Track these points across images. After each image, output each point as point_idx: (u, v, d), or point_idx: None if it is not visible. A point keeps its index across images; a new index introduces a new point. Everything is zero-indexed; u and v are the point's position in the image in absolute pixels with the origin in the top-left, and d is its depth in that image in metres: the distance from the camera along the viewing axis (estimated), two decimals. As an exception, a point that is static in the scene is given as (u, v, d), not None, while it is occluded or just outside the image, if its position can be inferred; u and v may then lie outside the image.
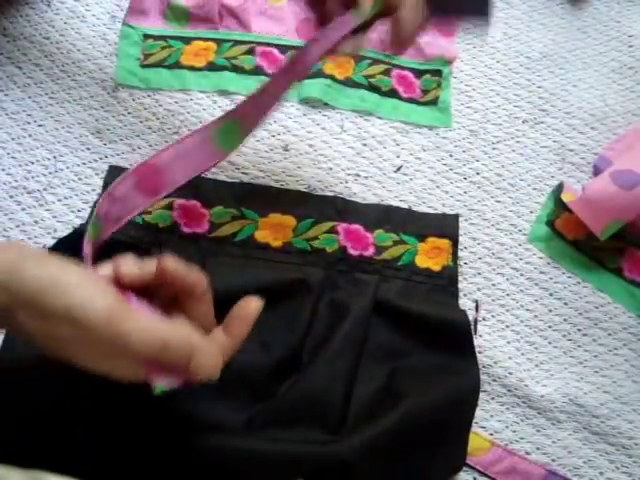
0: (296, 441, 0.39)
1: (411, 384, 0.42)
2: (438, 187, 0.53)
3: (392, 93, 0.56)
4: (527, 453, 0.45)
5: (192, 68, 0.55)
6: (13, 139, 0.51)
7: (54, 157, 0.50)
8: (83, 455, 0.38)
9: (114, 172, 0.49)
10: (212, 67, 0.55)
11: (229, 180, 0.51)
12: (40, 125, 0.51)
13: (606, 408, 0.47)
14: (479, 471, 0.44)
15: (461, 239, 0.50)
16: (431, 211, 0.52)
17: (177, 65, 0.55)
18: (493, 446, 0.44)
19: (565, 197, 0.50)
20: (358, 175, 0.53)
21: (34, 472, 0.29)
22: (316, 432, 0.40)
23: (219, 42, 0.56)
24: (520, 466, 0.44)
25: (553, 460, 0.45)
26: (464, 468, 0.43)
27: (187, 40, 0.56)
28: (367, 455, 0.38)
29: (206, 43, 0.56)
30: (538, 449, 0.45)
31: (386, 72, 0.57)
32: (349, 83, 0.56)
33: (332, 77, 0.56)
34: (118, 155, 0.51)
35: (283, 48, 0.57)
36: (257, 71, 0.56)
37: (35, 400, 0.39)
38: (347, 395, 0.42)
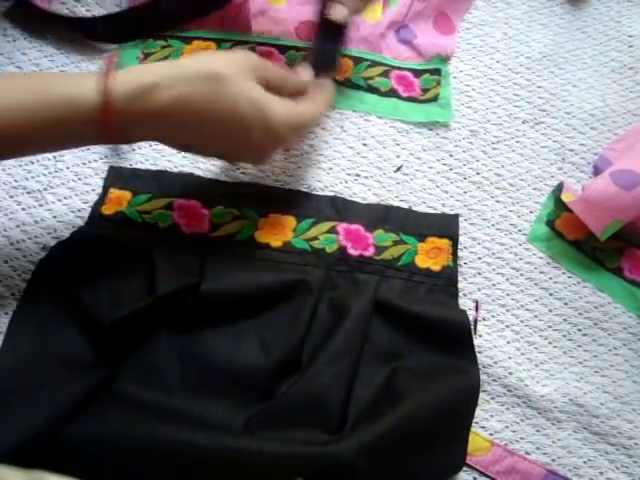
0: (296, 441, 0.39)
1: (411, 384, 0.42)
2: (438, 187, 0.53)
3: (391, 93, 0.56)
4: (527, 453, 0.45)
5: (192, 68, 0.55)
6: (13, 139, 0.51)
7: (54, 157, 0.50)
8: (82, 453, 0.38)
9: (114, 172, 0.49)
10: (212, 67, 0.55)
11: (229, 180, 0.51)
12: (40, 125, 0.51)
13: (606, 408, 0.47)
14: (479, 471, 0.44)
15: (461, 239, 0.50)
16: (431, 211, 0.52)
17: (177, 65, 0.55)
18: (493, 446, 0.44)
19: (565, 197, 0.50)
20: (358, 175, 0.53)
21: (34, 472, 0.29)
22: (316, 432, 0.40)
23: (219, 42, 0.56)
24: (520, 466, 0.44)
25: (553, 460, 0.45)
26: (464, 468, 0.43)
27: (187, 40, 0.56)
28: (367, 455, 0.38)
29: (206, 43, 0.56)
30: (538, 449, 0.45)
31: (385, 73, 0.57)
32: (348, 84, 0.56)
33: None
34: (118, 155, 0.51)
35: (283, 48, 0.57)
36: (257, 71, 0.56)
37: (34, 400, 0.39)
38: (347, 395, 0.42)
